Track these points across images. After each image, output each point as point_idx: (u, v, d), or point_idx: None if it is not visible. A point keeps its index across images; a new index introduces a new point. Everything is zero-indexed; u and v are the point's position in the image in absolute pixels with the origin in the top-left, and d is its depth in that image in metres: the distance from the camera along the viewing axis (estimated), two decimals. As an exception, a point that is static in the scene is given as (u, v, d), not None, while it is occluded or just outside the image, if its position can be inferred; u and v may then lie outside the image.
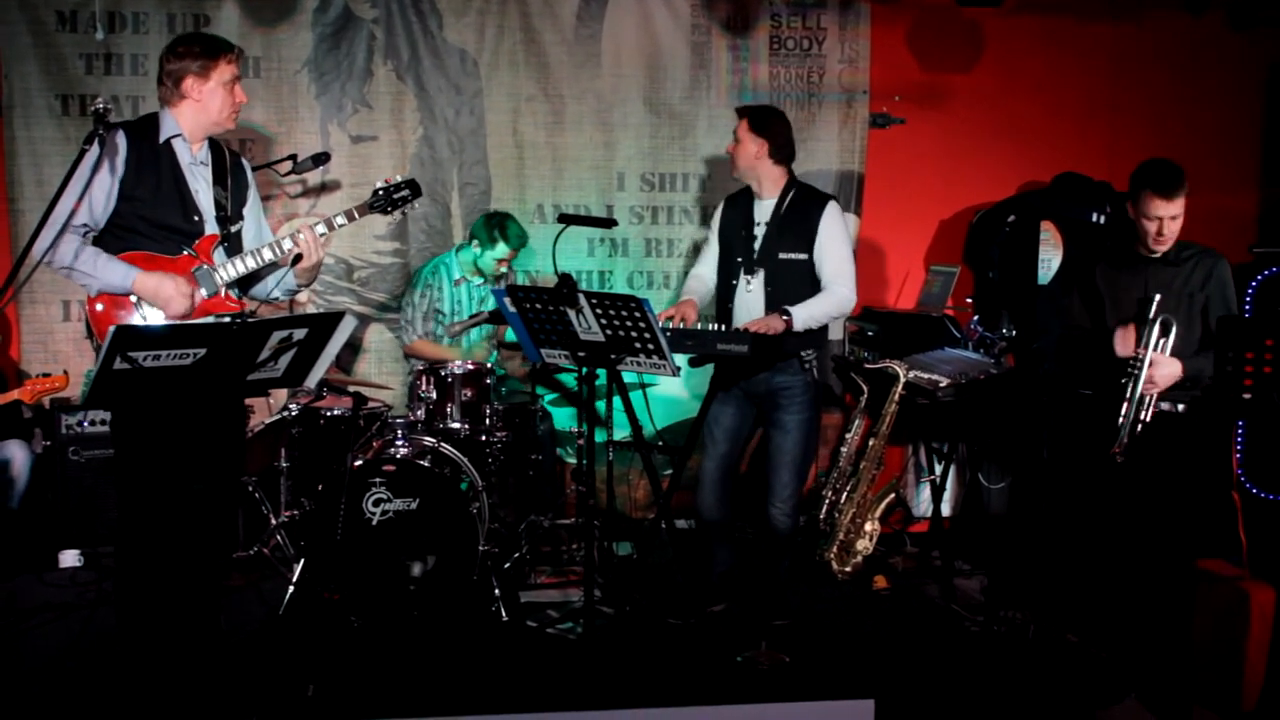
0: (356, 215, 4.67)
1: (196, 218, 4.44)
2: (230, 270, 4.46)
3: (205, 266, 4.40)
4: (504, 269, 6.42)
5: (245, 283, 4.65)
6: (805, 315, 5.18)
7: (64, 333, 6.64)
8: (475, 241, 6.43)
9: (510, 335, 6.50)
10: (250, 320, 4.08)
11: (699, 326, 5.16)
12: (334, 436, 6.02)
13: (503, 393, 6.40)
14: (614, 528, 6.28)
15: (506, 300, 4.85)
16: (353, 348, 7.00)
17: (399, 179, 4.73)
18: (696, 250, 6.43)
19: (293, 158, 6.10)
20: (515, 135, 7.02)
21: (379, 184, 4.74)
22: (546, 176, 7.06)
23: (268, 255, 4.53)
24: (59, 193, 4.16)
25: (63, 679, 4.72)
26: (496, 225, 6.40)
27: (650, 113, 7.08)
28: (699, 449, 5.51)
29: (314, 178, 6.76)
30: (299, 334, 4.04)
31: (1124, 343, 4.81)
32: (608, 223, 5.67)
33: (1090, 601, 5.02)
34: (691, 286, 5.56)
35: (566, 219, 5.32)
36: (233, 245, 4.55)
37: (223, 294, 4.46)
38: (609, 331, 4.71)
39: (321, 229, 4.58)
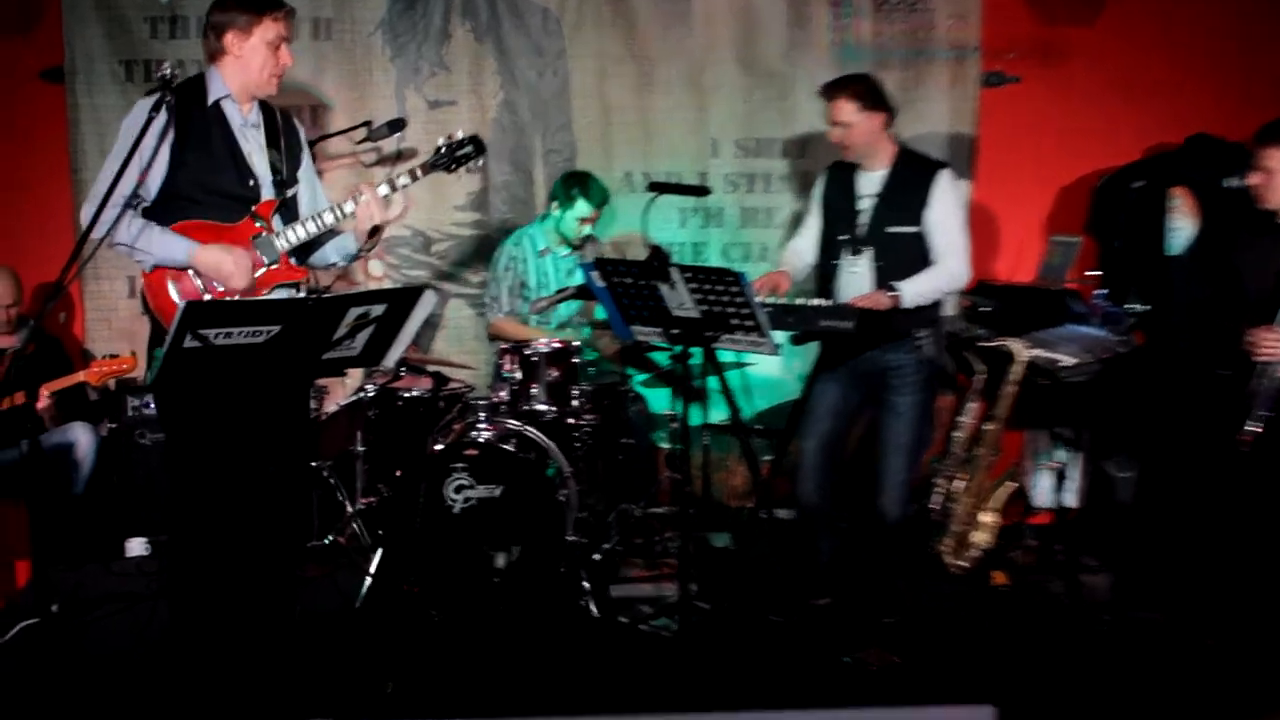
0: (420, 174, 4.65)
1: (252, 182, 4.46)
2: (291, 236, 4.47)
3: (265, 234, 4.42)
4: (587, 229, 6.39)
5: (304, 250, 4.64)
6: (914, 291, 5.17)
7: (129, 310, 6.66)
8: (554, 203, 6.41)
9: (600, 312, 6.40)
10: (327, 295, 4.09)
11: (800, 301, 5.14)
12: (413, 419, 6.04)
13: (591, 373, 6.37)
14: (710, 517, 6.26)
15: (594, 274, 4.85)
16: (431, 325, 6.97)
17: (461, 135, 4.73)
18: (797, 221, 6.37)
19: (367, 124, 6.04)
20: (601, 99, 6.99)
21: (440, 141, 4.73)
22: (635, 142, 7.04)
23: (329, 219, 4.53)
24: (123, 166, 4.18)
25: (127, 673, 4.72)
26: (575, 182, 6.38)
27: (745, 74, 7.00)
28: (800, 432, 5.48)
29: (389, 145, 6.69)
30: (377, 310, 4.05)
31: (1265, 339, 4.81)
32: (701, 191, 5.66)
33: (1230, 602, 4.92)
34: (788, 260, 5.55)
35: (657, 187, 5.31)
36: (289, 211, 4.56)
37: (285, 262, 4.46)
38: (704, 307, 4.70)
39: (384, 189, 4.56)
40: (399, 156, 6.78)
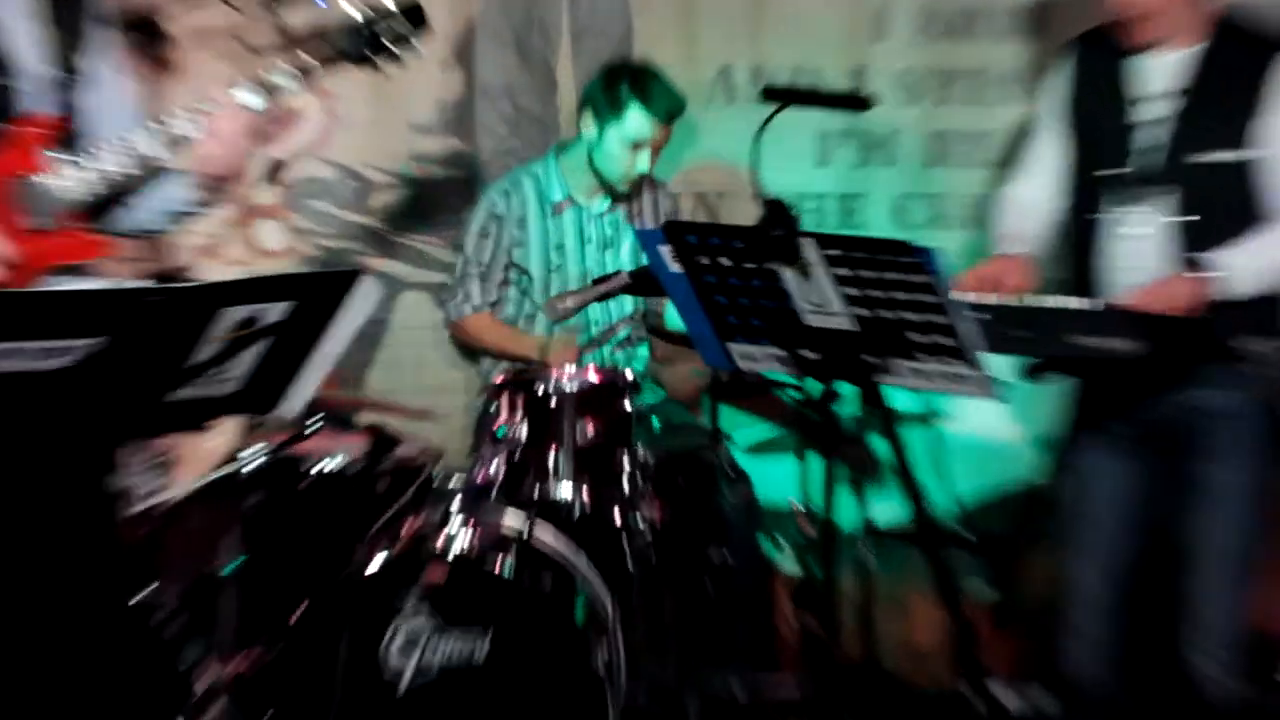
0: (316, 67, 4.52)
1: (3, 79, 4.41)
2: (81, 178, 4.31)
3: (32, 175, 4.30)
4: (644, 163, 6.22)
5: (102, 206, 4.47)
6: (1247, 269, 4.93)
7: None
8: (588, 115, 6.23)
9: (671, 317, 6.28)
10: (181, 284, 3.99)
11: (1036, 302, 4.91)
12: (331, 512, 5.77)
13: (656, 427, 6.03)
14: (879, 702, 5.67)
15: (663, 249, 4.58)
16: (369, 339, 6.92)
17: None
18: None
19: None
20: None
21: (353, 8, 4.65)
22: (737, 17, 6.95)
23: (145, 147, 4.33)
24: None
25: None
26: (627, 79, 6.19)
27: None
28: (1053, 545, 5.47)
29: (352, 10, 6.95)
30: (273, 312, 3.87)
31: None
32: (856, 103, 5.65)
33: None
34: (1012, 225, 5.42)
35: (777, 94, 5.17)
36: (71, 134, 4.45)
37: (72, 226, 4.37)
38: (862, 311, 4.45)
39: (246, 94, 4.41)
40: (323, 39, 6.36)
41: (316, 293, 3.93)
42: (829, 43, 7.00)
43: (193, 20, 6.57)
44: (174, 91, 6.25)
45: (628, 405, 5.66)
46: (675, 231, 4.56)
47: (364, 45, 4.49)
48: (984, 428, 6.73)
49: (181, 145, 4.36)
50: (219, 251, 6.61)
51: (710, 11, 6.96)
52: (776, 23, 6.98)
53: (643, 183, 6.38)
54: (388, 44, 4.50)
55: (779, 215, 4.39)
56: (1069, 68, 5.36)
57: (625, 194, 6.37)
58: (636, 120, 6.16)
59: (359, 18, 4.55)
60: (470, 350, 6.55)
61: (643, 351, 6.48)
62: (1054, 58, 5.64)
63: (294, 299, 3.86)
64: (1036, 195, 5.38)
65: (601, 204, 6.36)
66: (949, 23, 7.07)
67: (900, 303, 4.36)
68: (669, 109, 6.22)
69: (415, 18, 4.60)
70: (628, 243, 6.40)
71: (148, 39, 5.83)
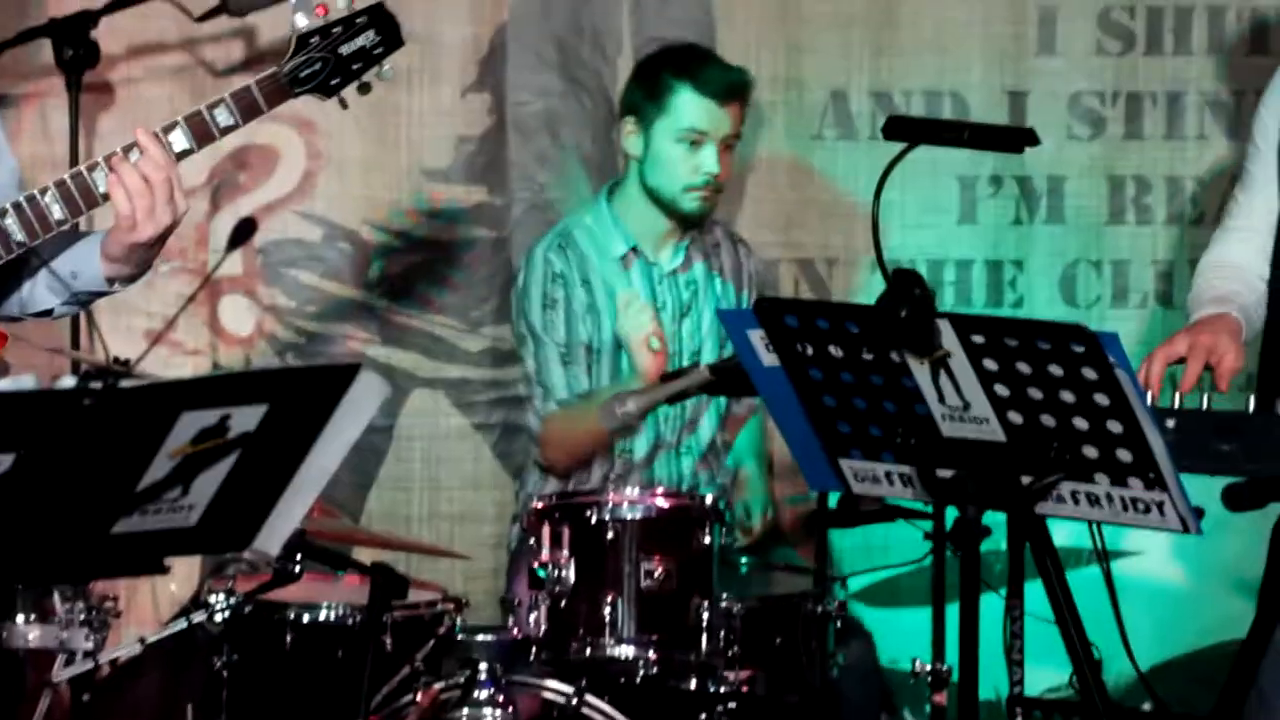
0: (261, 101, 4.68)
1: None
2: None
3: None
4: (712, 166, 6.26)
5: None
6: None
7: None
8: (630, 125, 6.32)
9: (754, 423, 6.58)
10: (128, 383, 3.63)
11: (1246, 402, 4.86)
12: (319, 677, 5.85)
13: (742, 566, 6.08)
14: None
15: (755, 336, 4.65)
16: (370, 452, 6.92)
17: (342, 3, 4.78)
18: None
19: None
20: None
21: (299, 21, 4.75)
22: (855, 23, 6.95)
23: (56, 211, 4.55)
24: None
25: None
26: (666, 63, 6.32)
27: None
28: None
29: (268, 25, 6.51)
30: (244, 418, 3.77)
31: None
32: (1013, 139, 5.47)
33: None
34: (1220, 290, 5.37)
35: (906, 129, 5.07)
36: None
37: None
38: (1016, 416, 4.51)
39: (180, 138, 4.56)
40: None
41: (300, 393, 3.77)
42: (975, 59, 7.14)
43: (138, 32, 6.81)
44: (110, 122, 6.57)
45: (707, 538, 5.63)
46: (770, 311, 4.58)
47: (326, 70, 4.80)
48: (1171, 570, 6.97)
49: (88, 203, 4.57)
50: (172, 338, 6.68)
51: (818, 17, 7.09)
52: (906, 32, 7.13)
53: (712, 195, 6.38)
54: (352, 67, 4.81)
55: (907, 289, 4.36)
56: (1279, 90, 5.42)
57: (698, 221, 6.41)
58: (688, 105, 6.30)
59: (304, 26, 4.79)
60: (552, 459, 6.54)
61: (729, 466, 6.57)
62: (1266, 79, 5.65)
63: (271, 401, 3.71)
64: (1251, 261, 5.46)
65: (675, 257, 6.48)
66: (1136, 33, 7.27)
67: (1067, 406, 4.40)
68: (728, 84, 6.32)
69: (383, 21, 4.81)
70: (708, 312, 6.51)
71: (79, 56, 6.07)
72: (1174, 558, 6.91)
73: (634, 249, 6.43)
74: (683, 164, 6.30)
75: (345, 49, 4.82)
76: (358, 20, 4.78)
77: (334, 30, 4.80)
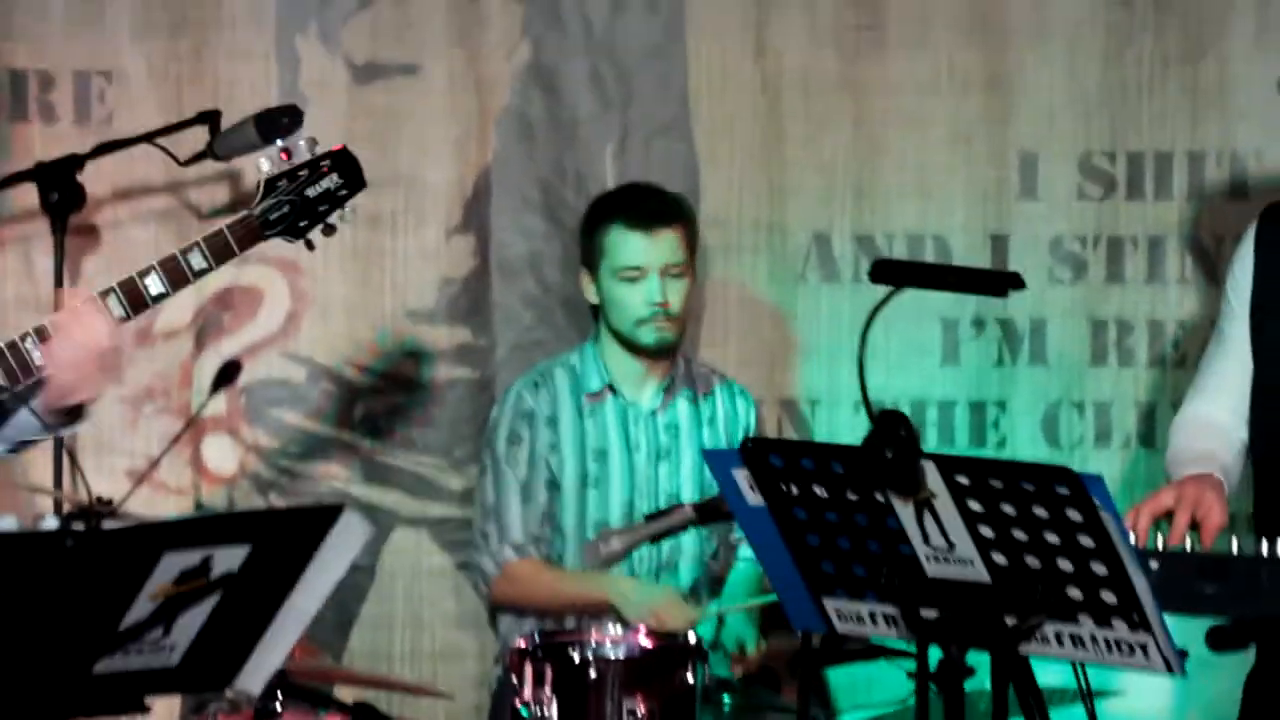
0: (233, 244, 4.84)
1: None
2: None
3: None
4: (655, 296, 6.34)
5: None
6: None
7: None
8: (584, 276, 6.50)
9: (742, 565, 6.53)
10: (106, 526, 3.93)
11: (1230, 546, 4.91)
12: None
13: (725, 705, 6.04)
14: None
15: (740, 475, 4.61)
16: (352, 592, 6.88)
17: (309, 148, 4.92)
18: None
19: (209, 119, 6.17)
20: (760, 60, 7.03)
21: (264, 166, 4.90)
22: (838, 168, 6.99)
23: None
24: None
25: None
26: (602, 206, 6.50)
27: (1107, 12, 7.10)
28: None
29: (253, 169, 6.11)
30: (226, 559, 3.90)
31: None
32: (996, 282, 5.48)
33: None
34: (1199, 449, 5.46)
35: (890, 272, 5.09)
36: None
37: None
38: (1000, 558, 4.51)
39: (155, 282, 4.78)
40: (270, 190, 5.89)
41: (283, 534, 4.00)
42: (958, 203, 7.20)
43: (123, 175, 6.87)
44: (96, 264, 6.65)
45: (690, 678, 5.70)
46: (755, 451, 4.59)
47: (293, 211, 4.85)
48: (1155, 710, 6.88)
49: (25, 374, 4.69)
50: (156, 477, 6.66)
51: (801, 160, 7.16)
52: (889, 176, 7.18)
53: (665, 323, 6.46)
54: (316, 208, 4.85)
55: (892, 430, 4.41)
56: (1259, 242, 5.60)
57: (664, 353, 6.47)
58: (620, 242, 6.40)
59: (269, 171, 4.89)
60: (498, 607, 6.58)
61: (711, 610, 6.47)
62: (1247, 222, 5.79)
63: (254, 542, 3.91)
64: (1223, 417, 5.58)
65: (654, 398, 6.55)
66: (1117, 178, 7.37)
67: (1052, 547, 4.44)
68: (651, 212, 6.43)
69: (345, 165, 4.90)
70: (689, 455, 6.52)
71: (65, 199, 6.13)
72: (1157, 697, 6.91)
73: (609, 386, 6.53)
74: (628, 301, 6.41)
75: (311, 192, 4.94)
76: (321, 164, 4.93)
77: (299, 174, 4.94)
